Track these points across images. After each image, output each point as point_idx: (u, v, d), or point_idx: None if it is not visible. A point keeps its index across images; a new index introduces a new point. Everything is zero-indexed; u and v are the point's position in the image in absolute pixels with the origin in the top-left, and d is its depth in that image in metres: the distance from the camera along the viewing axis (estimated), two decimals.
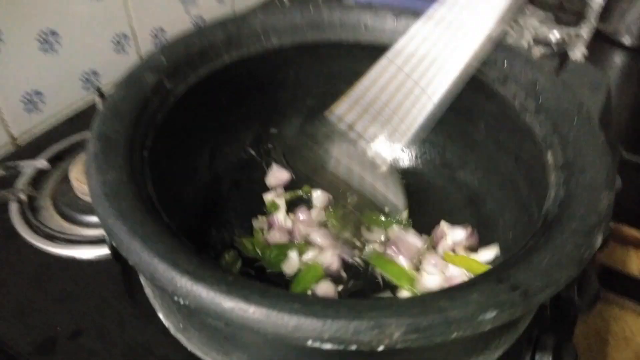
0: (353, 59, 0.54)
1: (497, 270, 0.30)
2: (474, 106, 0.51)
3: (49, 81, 0.69)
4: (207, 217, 0.51)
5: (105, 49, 0.75)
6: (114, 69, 0.76)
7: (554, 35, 0.93)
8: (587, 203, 0.34)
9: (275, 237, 0.50)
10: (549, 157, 0.40)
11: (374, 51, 0.53)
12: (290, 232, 0.51)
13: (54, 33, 0.67)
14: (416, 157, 0.59)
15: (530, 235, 0.34)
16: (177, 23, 0.86)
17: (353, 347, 0.26)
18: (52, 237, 0.54)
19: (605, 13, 0.99)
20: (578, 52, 0.96)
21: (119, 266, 0.52)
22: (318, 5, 0.51)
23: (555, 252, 0.31)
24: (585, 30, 1.03)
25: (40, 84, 0.68)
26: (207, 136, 0.51)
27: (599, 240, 0.32)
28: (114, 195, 0.32)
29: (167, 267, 0.28)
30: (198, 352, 0.36)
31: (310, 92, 0.57)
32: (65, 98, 0.72)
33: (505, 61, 0.46)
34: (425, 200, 0.56)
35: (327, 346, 0.26)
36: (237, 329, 0.32)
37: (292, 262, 0.48)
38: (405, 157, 0.59)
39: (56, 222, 0.57)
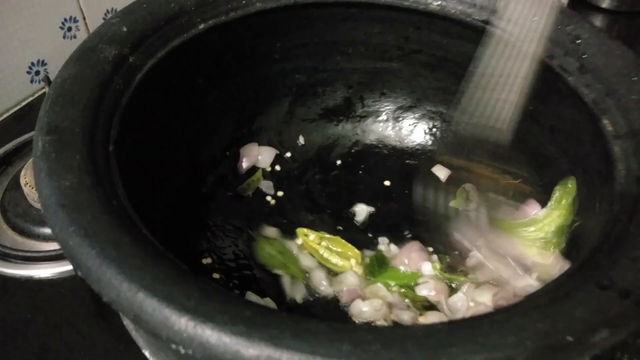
0: (349, 24, 0.47)
1: (592, 269, 0.23)
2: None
3: None
4: (189, 223, 0.43)
5: (53, 35, 0.66)
6: (63, 57, 0.67)
7: None
8: None
9: None
10: (607, 124, 0.33)
11: (373, 12, 0.46)
12: None
13: None
14: (425, 133, 0.52)
15: (608, 223, 0.28)
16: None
17: None
18: (4, 255, 0.47)
19: None
20: None
21: (85, 285, 0.44)
22: None
23: None
24: None
25: None
26: (182, 123, 0.42)
27: None
28: (74, 206, 0.24)
29: (158, 304, 0.20)
30: None
31: (300, 66, 0.49)
32: (10, 93, 0.63)
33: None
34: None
35: None
36: None
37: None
38: (413, 135, 0.52)
39: (8, 236, 0.49)
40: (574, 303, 0.21)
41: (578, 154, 0.38)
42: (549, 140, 0.42)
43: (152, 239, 0.25)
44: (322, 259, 0.43)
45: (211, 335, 0.20)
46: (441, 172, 0.50)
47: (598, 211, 0.32)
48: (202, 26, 0.40)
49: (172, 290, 0.21)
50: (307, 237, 0.44)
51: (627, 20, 0.92)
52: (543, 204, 0.42)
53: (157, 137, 0.38)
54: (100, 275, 0.21)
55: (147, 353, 0.31)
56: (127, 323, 0.32)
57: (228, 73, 0.45)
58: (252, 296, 0.39)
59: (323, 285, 0.41)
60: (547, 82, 0.39)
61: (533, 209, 0.42)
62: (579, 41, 0.37)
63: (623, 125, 0.32)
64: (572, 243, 0.37)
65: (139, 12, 0.36)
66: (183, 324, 0.20)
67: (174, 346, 0.20)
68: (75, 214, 0.23)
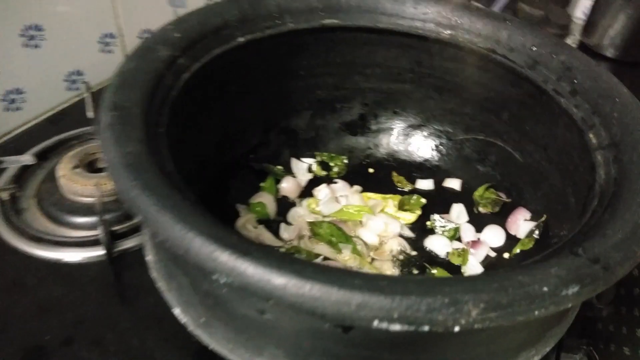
0: (369, 48, 0.52)
1: (569, 243, 0.27)
2: (498, 95, 0.49)
3: (32, 79, 0.65)
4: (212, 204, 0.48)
5: (91, 49, 0.72)
6: (99, 69, 0.73)
7: None
8: None
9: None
10: (592, 138, 0.38)
11: (391, 38, 0.51)
12: None
13: (39, 28, 0.64)
14: (431, 149, 0.57)
15: (588, 215, 0.32)
16: None
17: (425, 328, 0.23)
18: (37, 239, 0.50)
19: (589, 27, 1.02)
20: None
21: (111, 269, 0.48)
22: None
23: (626, 225, 0.28)
24: (570, 44, 1.05)
25: (22, 82, 0.64)
26: (217, 120, 0.47)
27: None
28: (137, 167, 0.28)
29: (205, 241, 0.25)
30: (222, 350, 0.32)
31: (322, 83, 0.54)
32: (48, 98, 0.68)
33: (533, 45, 0.45)
34: (442, 195, 0.54)
35: (396, 327, 0.23)
36: (279, 315, 0.28)
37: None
38: (421, 150, 0.57)
39: (41, 223, 0.53)
40: (551, 264, 0.25)
41: (568, 167, 0.42)
42: (543, 157, 0.46)
43: (197, 200, 0.29)
44: None
45: (248, 266, 0.24)
46: (454, 183, 0.55)
47: (582, 213, 0.37)
48: (241, 39, 0.45)
49: (216, 231, 0.25)
50: None
51: (631, 70, 0.97)
52: (536, 213, 0.47)
53: (195, 128, 0.43)
54: (158, 218, 0.26)
55: (177, 311, 0.34)
56: (161, 285, 0.35)
57: (258, 83, 0.50)
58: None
59: None
60: (542, 104, 0.44)
61: (523, 216, 0.47)
62: (571, 68, 0.42)
63: (605, 137, 0.37)
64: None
65: (190, 21, 0.42)
66: (225, 257, 0.24)
67: (216, 276, 0.24)
68: (137, 172, 0.28)
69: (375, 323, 0.23)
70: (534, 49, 0.45)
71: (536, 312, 0.24)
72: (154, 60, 0.37)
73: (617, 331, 0.57)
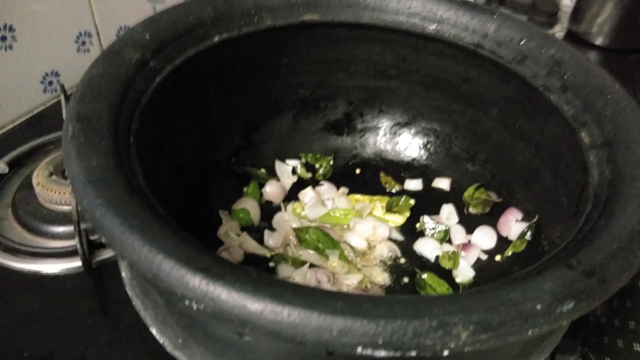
0: (352, 44, 0.50)
1: (563, 254, 0.26)
2: (486, 91, 0.47)
3: (6, 82, 0.63)
4: (192, 211, 0.46)
5: (68, 48, 0.69)
6: (76, 69, 0.71)
7: None
8: None
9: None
10: (584, 136, 0.36)
11: (374, 34, 0.49)
12: None
13: (11, 29, 0.61)
14: (419, 148, 0.55)
15: (581, 220, 0.30)
16: None
17: (412, 354, 0.22)
18: (13, 251, 0.49)
19: (577, 15, 1.01)
20: None
21: (91, 281, 0.46)
22: None
23: (623, 233, 0.27)
24: (558, 32, 1.03)
25: None
26: (193, 126, 0.45)
27: None
28: (102, 183, 0.26)
29: (175, 264, 0.23)
30: None
31: (304, 81, 0.52)
32: (24, 101, 0.66)
33: (521, 39, 0.43)
34: (432, 196, 0.52)
35: (381, 354, 0.21)
36: (259, 338, 0.26)
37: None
38: (408, 150, 0.55)
39: (17, 233, 0.51)
40: (545, 279, 0.24)
41: (559, 166, 0.41)
42: (534, 155, 0.45)
43: (168, 217, 0.27)
44: None
45: (221, 291, 0.22)
46: (443, 183, 0.53)
47: (575, 215, 0.35)
48: (216, 39, 0.43)
49: (187, 253, 0.24)
50: None
51: (620, 58, 0.96)
52: (527, 213, 0.45)
53: (170, 136, 0.41)
54: (123, 240, 0.24)
55: (154, 331, 0.32)
56: (137, 303, 0.34)
57: (237, 84, 0.48)
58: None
59: None
60: (532, 101, 0.43)
61: (514, 217, 0.45)
62: (561, 63, 0.41)
63: (599, 136, 0.35)
64: (552, 245, 0.40)
65: (161, 22, 0.40)
66: (197, 281, 0.23)
67: (187, 302, 0.23)
68: (101, 189, 0.26)
69: (359, 350, 0.21)
70: (522, 42, 0.43)
71: (529, 332, 0.22)
72: (123, 65, 0.35)
73: (609, 323, 0.56)
